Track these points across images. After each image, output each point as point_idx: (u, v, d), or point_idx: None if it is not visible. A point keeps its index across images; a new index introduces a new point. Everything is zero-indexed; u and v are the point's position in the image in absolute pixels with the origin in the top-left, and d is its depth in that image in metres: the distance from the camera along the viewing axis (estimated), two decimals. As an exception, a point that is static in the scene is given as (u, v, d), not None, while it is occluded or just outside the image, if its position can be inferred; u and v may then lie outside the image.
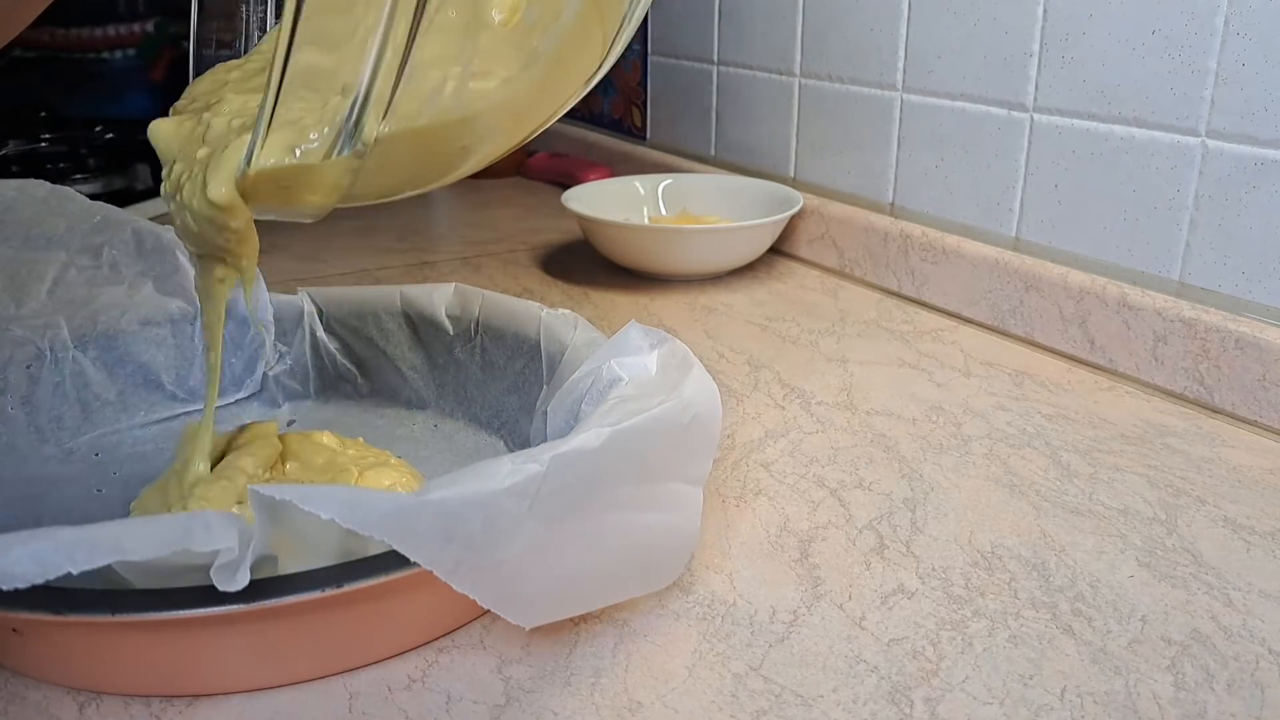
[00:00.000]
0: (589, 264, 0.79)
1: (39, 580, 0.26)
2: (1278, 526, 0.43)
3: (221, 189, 0.31)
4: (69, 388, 0.47)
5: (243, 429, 0.44)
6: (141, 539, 0.28)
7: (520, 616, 0.31)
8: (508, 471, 0.30)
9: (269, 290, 0.52)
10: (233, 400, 0.52)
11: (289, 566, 0.31)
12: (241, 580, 0.29)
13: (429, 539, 0.28)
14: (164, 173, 0.34)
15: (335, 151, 0.29)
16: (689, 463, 0.36)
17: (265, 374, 0.52)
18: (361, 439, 0.46)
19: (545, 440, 0.43)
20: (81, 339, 0.48)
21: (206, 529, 0.28)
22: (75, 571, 0.27)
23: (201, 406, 0.50)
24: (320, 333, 0.52)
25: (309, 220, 0.33)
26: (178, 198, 0.33)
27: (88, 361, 0.48)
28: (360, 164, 0.30)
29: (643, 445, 0.33)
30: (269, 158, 0.30)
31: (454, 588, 0.29)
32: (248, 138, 0.30)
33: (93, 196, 0.49)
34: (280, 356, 0.52)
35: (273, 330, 0.52)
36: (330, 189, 0.31)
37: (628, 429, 0.33)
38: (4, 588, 0.26)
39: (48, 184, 0.49)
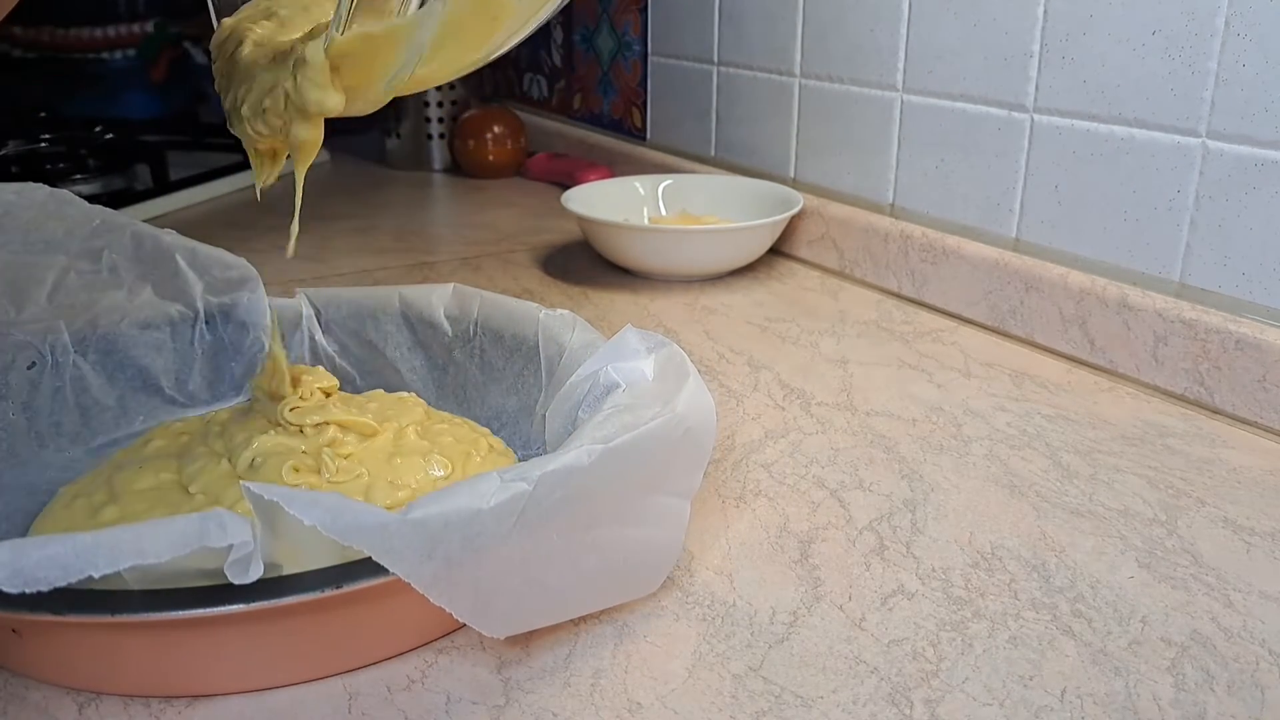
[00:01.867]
0: (589, 264, 0.79)
1: (61, 584, 0.26)
2: (1278, 527, 0.43)
3: (320, 57, 0.35)
4: (69, 392, 0.47)
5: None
6: (160, 541, 0.28)
7: (493, 628, 0.31)
8: (494, 490, 0.30)
9: (267, 293, 0.52)
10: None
11: (288, 567, 0.31)
12: (255, 572, 0.29)
13: (408, 554, 0.28)
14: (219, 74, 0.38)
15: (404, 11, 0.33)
16: (679, 477, 0.36)
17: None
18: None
19: (545, 443, 0.43)
20: (81, 343, 0.48)
21: (221, 527, 0.28)
22: (97, 575, 0.27)
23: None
24: (318, 334, 0.52)
25: (378, 105, 0.37)
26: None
27: (87, 366, 0.48)
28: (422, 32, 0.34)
29: (634, 462, 0.33)
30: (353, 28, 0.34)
31: (430, 599, 0.29)
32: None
33: (92, 197, 0.49)
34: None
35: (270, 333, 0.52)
36: (404, 48, 0.35)
37: (619, 446, 0.32)
38: (27, 590, 0.26)
39: (46, 188, 0.49)
